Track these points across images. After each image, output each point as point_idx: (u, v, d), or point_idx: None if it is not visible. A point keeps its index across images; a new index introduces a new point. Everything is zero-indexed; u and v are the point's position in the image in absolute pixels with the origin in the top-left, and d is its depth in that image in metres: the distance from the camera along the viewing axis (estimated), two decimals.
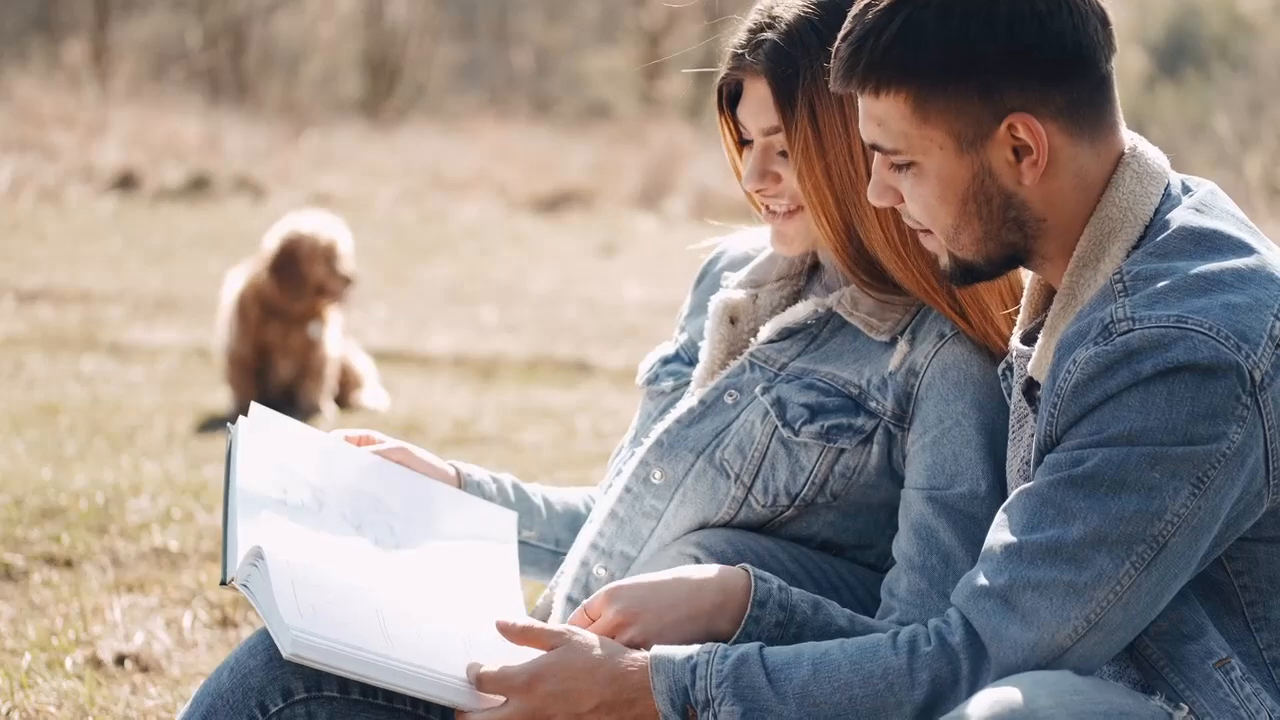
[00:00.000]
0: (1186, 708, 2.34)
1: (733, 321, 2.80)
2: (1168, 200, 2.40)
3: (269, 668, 2.56)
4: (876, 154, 2.44)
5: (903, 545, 2.60)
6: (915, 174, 2.40)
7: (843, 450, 2.65)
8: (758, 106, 2.68)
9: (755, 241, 2.92)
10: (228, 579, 2.44)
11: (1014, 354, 2.55)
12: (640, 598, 2.48)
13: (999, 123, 2.35)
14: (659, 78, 24.41)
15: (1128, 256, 2.37)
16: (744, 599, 2.50)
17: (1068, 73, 2.35)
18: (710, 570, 2.52)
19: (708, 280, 2.94)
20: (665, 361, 2.88)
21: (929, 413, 2.62)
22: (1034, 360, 2.46)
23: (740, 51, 2.69)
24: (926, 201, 2.41)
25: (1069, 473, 2.28)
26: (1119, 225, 2.39)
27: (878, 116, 2.40)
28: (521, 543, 2.86)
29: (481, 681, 2.41)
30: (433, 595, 2.57)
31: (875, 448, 2.64)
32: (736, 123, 2.76)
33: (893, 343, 2.68)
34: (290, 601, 2.38)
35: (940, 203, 2.40)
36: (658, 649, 2.38)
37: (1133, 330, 2.27)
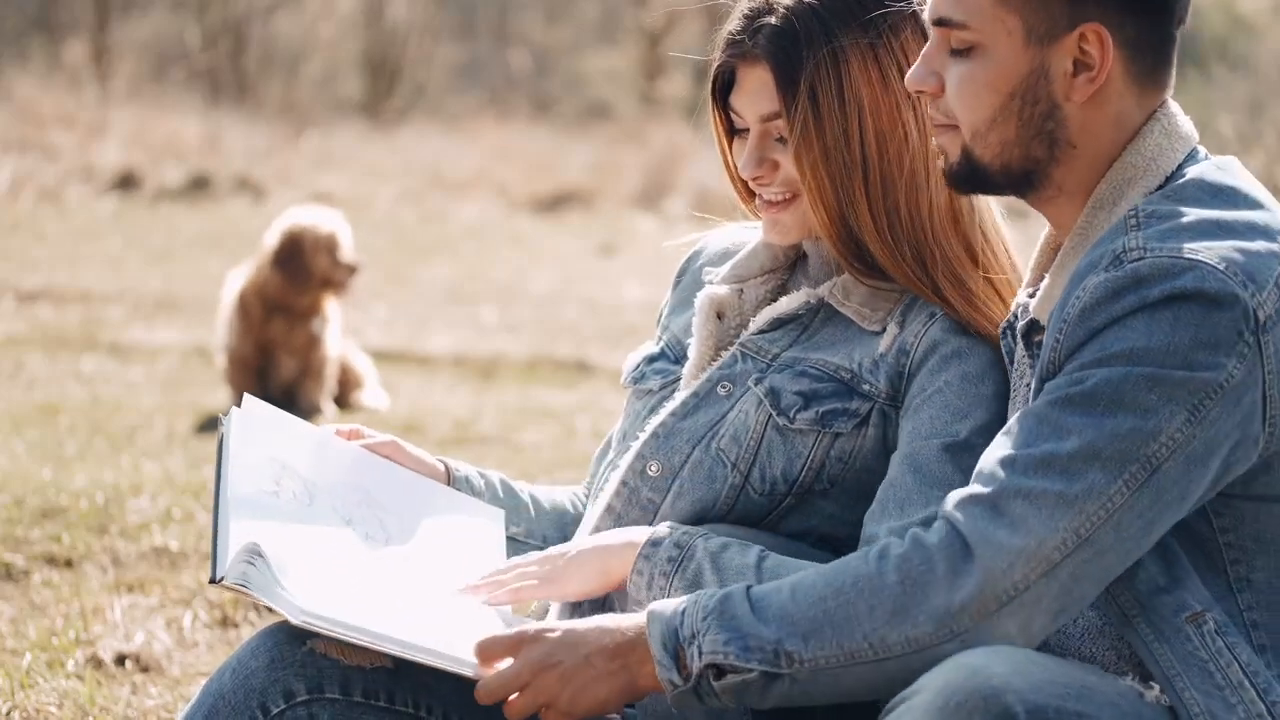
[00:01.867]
0: (1158, 687, 2.34)
1: (719, 317, 2.80)
2: (1191, 160, 2.44)
3: (271, 669, 2.56)
4: (934, 34, 2.45)
5: (871, 505, 2.61)
6: (972, 58, 2.41)
7: (839, 434, 2.65)
8: (756, 93, 2.69)
9: (735, 237, 2.92)
10: (217, 577, 2.44)
11: (1017, 307, 2.56)
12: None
13: (1073, 28, 2.38)
14: (659, 78, 24.40)
15: (1143, 200, 2.39)
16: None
17: (1148, 9, 2.39)
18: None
19: (688, 277, 2.95)
20: (650, 360, 2.88)
21: (916, 385, 2.64)
22: (1038, 300, 2.47)
23: (739, 38, 2.69)
24: (975, 87, 2.41)
25: (1067, 392, 2.29)
26: (1140, 173, 2.42)
27: None
28: (509, 539, 2.86)
29: (487, 648, 2.42)
30: (424, 591, 2.58)
31: (871, 430, 2.65)
32: (728, 113, 2.75)
33: (884, 331, 2.69)
34: (294, 581, 2.40)
35: (989, 91, 2.41)
36: (654, 604, 2.40)
37: (1143, 258, 2.29)
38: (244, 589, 2.41)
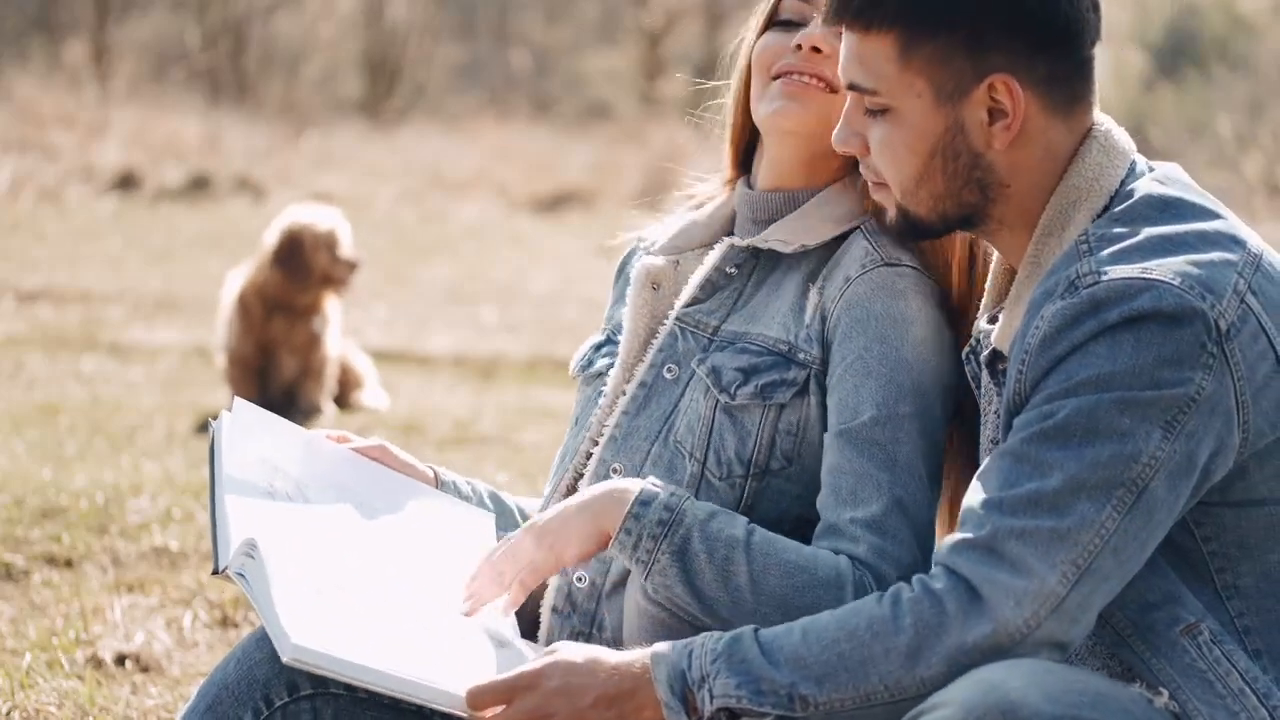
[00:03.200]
0: (1166, 693, 2.34)
1: (655, 288, 2.81)
2: (1132, 175, 2.44)
3: (275, 661, 2.55)
4: (850, 97, 2.46)
5: (821, 490, 2.60)
6: (888, 121, 2.42)
7: (781, 406, 2.65)
8: None
9: (674, 225, 2.92)
10: (220, 568, 2.43)
11: (978, 334, 2.56)
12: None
13: (980, 80, 2.38)
14: (659, 78, 24.41)
15: (1092, 223, 2.39)
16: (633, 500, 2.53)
17: (1055, 45, 2.38)
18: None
19: (629, 269, 2.96)
20: (597, 347, 2.90)
21: (835, 354, 2.65)
22: (998, 330, 2.47)
23: None
24: (894, 150, 2.42)
25: (1040, 427, 2.29)
26: (1084, 195, 2.41)
27: (861, 55, 2.42)
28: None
29: (479, 695, 2.38)
30: (420, 595, 2.58)
31: (812, 399, 2.65)
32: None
33: (807, 281, 2.68)
34: (287, 603, 2.38)
35: (908, 153, 2.42)
36: (657, 646, 2.39)
37: (1099, 282, 2.29)
38: (244, 586, 2.41)
